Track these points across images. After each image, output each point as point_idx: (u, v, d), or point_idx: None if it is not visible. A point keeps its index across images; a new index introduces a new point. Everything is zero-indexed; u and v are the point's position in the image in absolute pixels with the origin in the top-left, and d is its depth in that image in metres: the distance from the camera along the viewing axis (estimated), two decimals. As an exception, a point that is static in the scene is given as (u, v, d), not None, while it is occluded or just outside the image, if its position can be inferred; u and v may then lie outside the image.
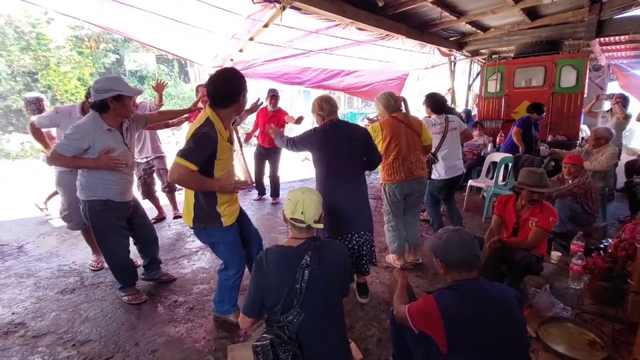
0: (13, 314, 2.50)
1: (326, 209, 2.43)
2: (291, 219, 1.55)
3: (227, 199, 2.07)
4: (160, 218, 4.34)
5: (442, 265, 1.45)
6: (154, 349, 2.13)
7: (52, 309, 2.55)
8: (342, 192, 2.42)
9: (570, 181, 3.41)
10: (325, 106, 2.44)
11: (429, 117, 3.49)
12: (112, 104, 2.20)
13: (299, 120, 4.62)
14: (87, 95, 2.60)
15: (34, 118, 2.82)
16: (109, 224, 2.43)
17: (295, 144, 2.54)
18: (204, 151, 1.84)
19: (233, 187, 2.00)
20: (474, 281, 1.37)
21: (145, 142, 3.96)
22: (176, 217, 4.33)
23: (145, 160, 4.00)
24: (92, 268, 3.14)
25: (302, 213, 1.52)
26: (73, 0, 3.42)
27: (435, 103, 3.46)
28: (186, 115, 3.09)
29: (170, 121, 3.05)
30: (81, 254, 3.42)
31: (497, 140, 5.56)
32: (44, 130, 3.03)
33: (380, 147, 2.83)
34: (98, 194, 2.34)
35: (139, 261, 2.91)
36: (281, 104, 5.02)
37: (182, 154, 1.79)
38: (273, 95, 4.79)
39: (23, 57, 10.41)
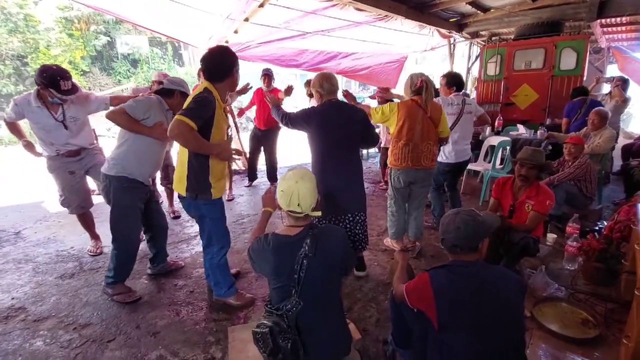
0: (13, 298, 2.51)
1: (321, 191, 2.42)
2: (288, 211, 1.52)
3: (219, 171, 2.13)
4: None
5: (441, 243, 1.47)
6: (156, 331, 2.16)
7: (52, 294, 2.56)
8: (338, 174, 2.41)
9: (570, 163, 3.42)
10: (326, 85, 2.40)
11: (446, 97, 3.34)
12: (177, 97, 2.48)
13: (288, 91, 4.34)
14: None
15: (5, 113, 2.78)
16: (131, 203, 2.42)
17: (291, 120, 2.50)
18: (204, 112, 1.90)
19: (230, 153, 2.11)
20: (473, 264, 1.38)
21: None
22: (175, 217, 4.08)
23: None
24: (91, 253, 3.14)
25: (298, 205, 1.48)
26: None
27: (454, 80, 3.34)
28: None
29: None
30: (79, 239, 3.41)
31: (496, 124, 5.53)
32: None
33: (393, 129, 2.77)
34: (128, 171, 2.35)
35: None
36: (278, 87, 4.93)
37: (183, 112, 1.84)
38: (266, 75, 4.68)
39: (11, 40, 10.12)
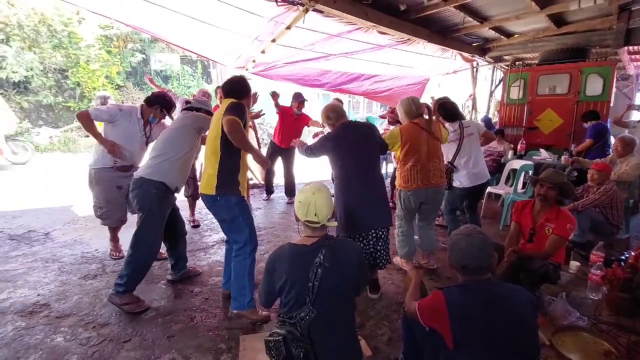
0: (38, 295, 2.63)
1: (343, 208, 2.45)
2: (305, 221, 1.57)
3: (244, 172, 2.36)
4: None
5: (450, 265, 1.47)
6: (170, 335, 2.21)
7: (75, 293, 2.67)
8: (358, 190, 2.47)
9: (595, 189, 3.32)
10: (332, 114, 2.55)
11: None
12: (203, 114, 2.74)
13: (315, 136, 4.57)
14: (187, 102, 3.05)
15: (91, 109, 2.89)
16: (164, 212, 2.55)
17: (313, 150, 2.64)
18: (244, 113, 2.19)
19: (265, 157, 2.44)
20: (485, 282, 1.37)
21: None
22: (195, 225, 4.18)
23: None
24: (113, 257, 3.26)
25: (315, 215, 1.53)
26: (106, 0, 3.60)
27: (445, 111, 3.30)
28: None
29: None
30: (104, 242, 3.54)
31: (518, 147, 5.46)
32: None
33: (398, 153, 2.83)
34: (168, 180, 2.49)
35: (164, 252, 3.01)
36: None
37: (232, 113, 2.11)
38: (301, 101, 4.91)
39: (55, 55, 10.86)
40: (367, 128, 2.62)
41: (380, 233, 2.54)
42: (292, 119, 4.93)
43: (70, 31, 11.03)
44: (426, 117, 2.83)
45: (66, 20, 10.89)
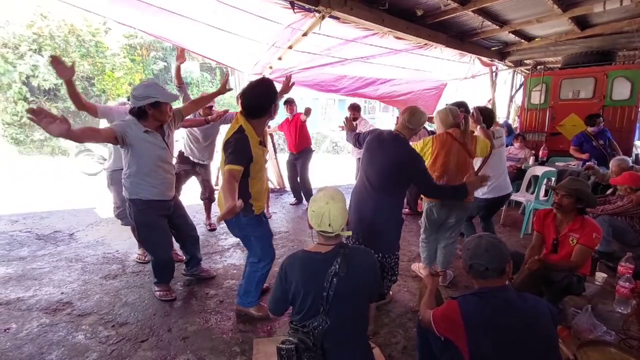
0: (62, 293, 2.73)
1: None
2: (319, 231, 1.54)
3: (256, 192, 2.17)
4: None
5: (463, 269, 1.45)
6: (185, 336, 2.24)
7: (96, 292, 2.75)
8: (364, 202, 2.37)
9: (619, 196, 3.17)
10: (409, 118, 2.32)
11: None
12: (149, 110, 2.24)
13: (307, 112, 4.91)
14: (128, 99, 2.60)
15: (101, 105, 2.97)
16: (151, 222, 2.49)
17: (357, 139, 2.64)
18: (245, 152, 1.99)
19: (233, 212, 1.73)
20: (501, 290, 1.33)
21: (210, 146, 3.98)
22: (211, 229, 4.23)
23: (200, 162, 3.94)
24: (139, 261, 3.26)
25: (329, 225, 1.49)
26: (130, 10, 3.73)
27: (486, 117, 3.07)
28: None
29: (209, 117, 3.47)
30: (124, 243, 3.65)
31: (540, 154, 5.30)
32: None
33: (428, 162, 2.70)
34: (141, 195, 2.39)
35: (181, 254, 3.06)
36: (316, 112, 5.16)
37: (230, 161, 1.93)
38: (289, 103, 5.10)
39: (82, 63, 11.35)
40: (394, 152, 2.32)
41: (381, 260, 2.35)
42: (288, 124, 5.15)
43: (97, 41, 11.52)
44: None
45: (94, 30, 11.39)
